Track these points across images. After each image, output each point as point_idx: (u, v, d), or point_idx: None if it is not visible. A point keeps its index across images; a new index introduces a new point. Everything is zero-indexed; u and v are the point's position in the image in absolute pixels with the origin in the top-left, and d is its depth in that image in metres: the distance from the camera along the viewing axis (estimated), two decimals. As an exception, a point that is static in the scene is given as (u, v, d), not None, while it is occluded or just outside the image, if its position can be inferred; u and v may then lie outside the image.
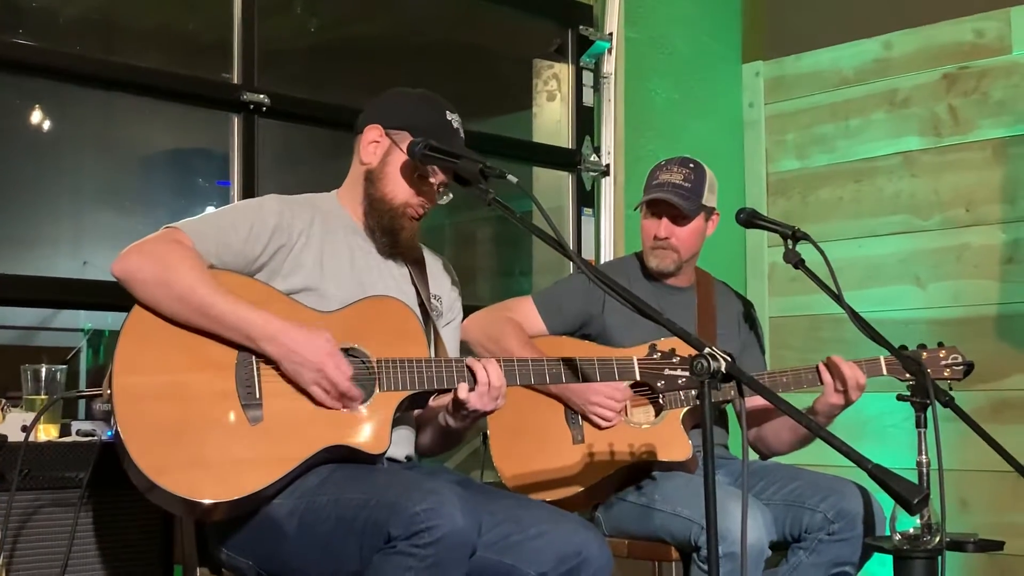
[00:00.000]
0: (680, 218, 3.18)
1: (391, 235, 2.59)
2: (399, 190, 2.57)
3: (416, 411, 2.62)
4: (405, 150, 2.52)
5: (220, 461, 2.25)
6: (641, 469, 3.06)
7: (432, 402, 2.59)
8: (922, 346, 3.06)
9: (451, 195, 2.62)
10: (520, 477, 3.05)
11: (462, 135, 2.62)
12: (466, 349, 2.98)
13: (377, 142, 2.59)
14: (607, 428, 3.05)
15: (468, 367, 2.45)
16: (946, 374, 3.03)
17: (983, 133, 4.23)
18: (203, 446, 2.26)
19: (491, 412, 2.49)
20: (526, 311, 3.20)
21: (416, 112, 2.60)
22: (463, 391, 2.43)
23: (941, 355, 3.04)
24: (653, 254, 3.24)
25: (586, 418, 3.07)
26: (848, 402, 3.00)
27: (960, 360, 3.05)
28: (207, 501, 2.23)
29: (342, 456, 2.36)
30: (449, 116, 2.60)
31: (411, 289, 2.63)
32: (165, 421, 2.25)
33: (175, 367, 2.30)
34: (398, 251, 2.62)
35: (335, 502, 2.25)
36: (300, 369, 2.32)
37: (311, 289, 2.47)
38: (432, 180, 2.57)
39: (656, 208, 3.21)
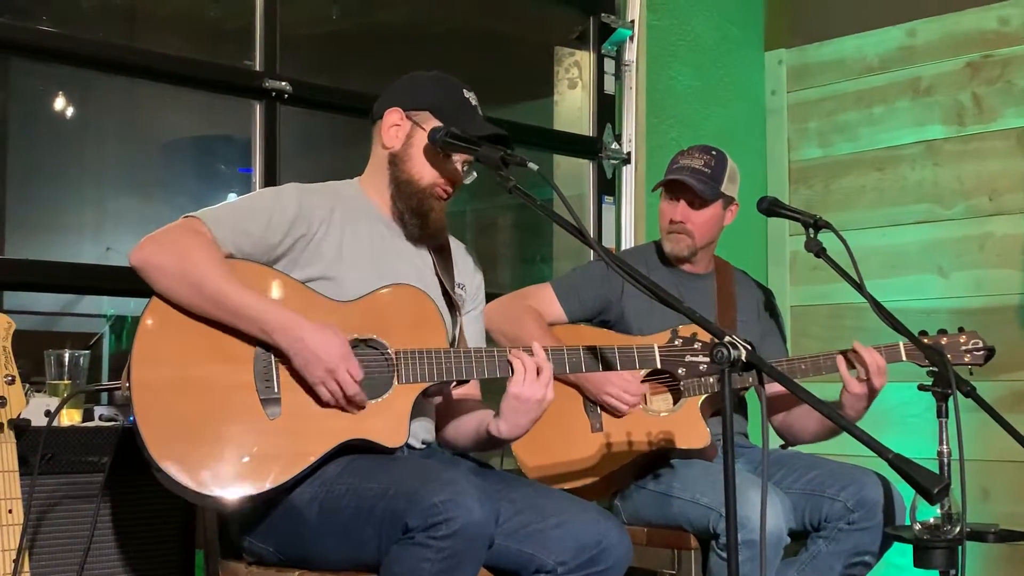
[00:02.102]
0: (697, 203, 3.18)
1: (421, 217, 2.57)
2: (425, 171, 2.56)
3: (436, 399, 2.62)
4: (428, 131, 2.52)
5: (239, 456, 2.25)
6: (660, 457, 3.06)
7: (453, 388, 2.60)
8: (942, 331, 3.04)
9: (475, 173, 2.60)
10: (539, 466, 3.05)
11: (480, 112, 2.61)
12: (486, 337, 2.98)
13: (398, 125, 2.57)
14: (622, 415, 3.05)
15: (508, 361, 2.42)
16: (967, 359, 3.02)
17: (1007, 122, 4.21)
18: (221, 441, 2.25)
19: (543, 400, 2.44)
20: (545, 298, 3.20)
21: (434, 92, 2.59)
22: (515, 385, 2.40)
23: (962, 340, 3.03)
24: (668, 238, 3.24)
25: (602, 407, 3.07)
26: (872, 389, 2.98)
27: (981, 345, 3.03)
28: (225, 497, 2.24)
29: (360, 447, 2.36)
30: (467, 94, 2.60)
31: (434, 278, 2.62)
32: (183, 415, 2.25)
33: (193, 360, 2.29)
34: (428, 233, 2.59)
35: (354, 491, 2.25)
36: (310, 366, 2.30)
37: (329, 278, 2.46)
38: (456, 158, 2.56)
39: (673, 191, 3.21)
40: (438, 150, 2.51)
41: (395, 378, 2.40)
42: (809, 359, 3.07)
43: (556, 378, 3.03)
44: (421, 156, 2.55)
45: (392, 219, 2.61)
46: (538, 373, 2.42)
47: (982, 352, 3.03)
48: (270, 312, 2.30)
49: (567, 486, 3.00)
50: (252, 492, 2.25)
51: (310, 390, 2.33)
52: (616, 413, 3.06)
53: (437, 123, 2.52)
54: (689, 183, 3.15)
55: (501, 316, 3.10)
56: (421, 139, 2.55)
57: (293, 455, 2.29)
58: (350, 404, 2.34)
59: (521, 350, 2.44)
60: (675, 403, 3.10)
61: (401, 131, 2.57)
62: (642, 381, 3.08)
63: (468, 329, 2.67)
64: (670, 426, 3.05)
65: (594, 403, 3.08)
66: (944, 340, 3.01)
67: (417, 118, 2.56)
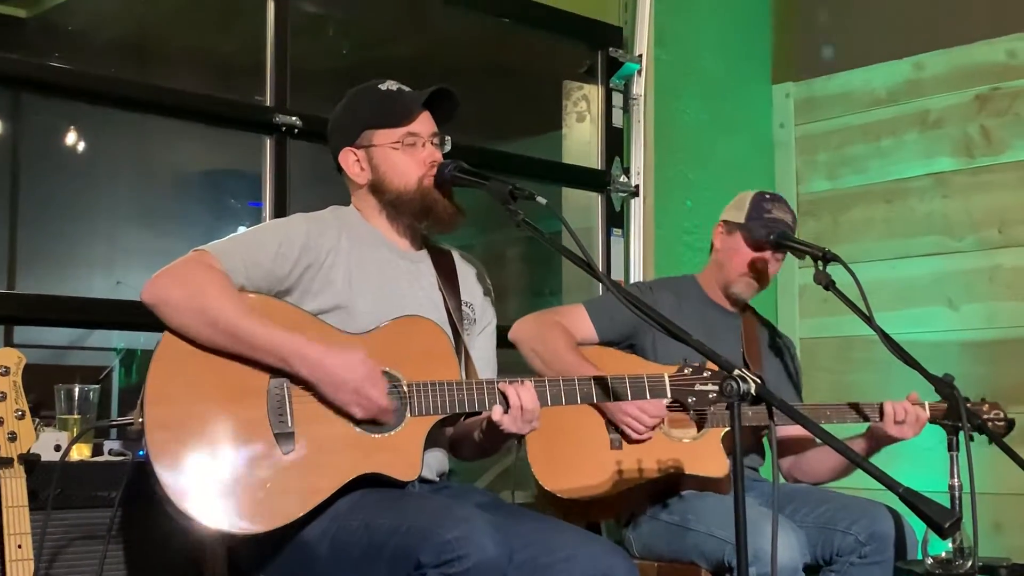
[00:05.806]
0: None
1: (430, 213, 2.57)
2: (406, 175, 2.56)
3: (448, 428, 2.62)
4: (384, 145, 2.55)
5: (252, 492, 2.25)
6: (675, 482, 3.05)
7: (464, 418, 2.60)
8: (965, 399, 3.03)
9: (449, 138, 2.63)
10: (555, 479, 3.03)
11: (406, 89, 2.62)
12: (516, 352, 3.02)
13: (357, 159, 2.60)
14: (637, 441, 3.05)
15: (501, 391, 2.43)
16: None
17: (1016, 154, 4.21)
18: (236, 477, 2.25)
19: (524, 434, 2.47)
20: (577, 317, 3.21)
21: (359, 111, 2.62)
22: (497, 414, 2.42)
23: (984, 409, 3.04)
24: (748, 283, 3.26)
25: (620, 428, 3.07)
26: (903, 437, 3.03)
27: (1002, 417, 3.03)
28: (237, 533, 2.24)
29: (372, 481, 2.35)
30: (383, 87, 2.62)
31: (439, 297, 2.63)
32: (198, 452, 2.24)
33: (206, 395, 2.29)
34: (443, 221, 2.58)
35: (366, 526, 2.25)
36: (338, 391, 2.31)
37: (340, 307, 2.47)
38: (419, 143, 2.57)
39: (778, 249, 3.24)
40: (401, 137, 2.54)
41: (408, 411, 2.40)
42: (834, 407, 3.08)
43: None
44: (392, 167, 2.57)
45: (394, 242, 2.62)
46: (522, 412, 2.42)
47: (1003, 423, 3.03)
48: (289, 342, 2.31)
49: (581, 499, 2.99)
50: (266, 528, 2.24)
51: (326, 421, 2.33)
52: (632, 435, 3.05)
53: (384, 134, 2.56)
54: (793, 248, 3.21)
55: (532, 333, 3.11)
56: (382, 154, 2.57)
57: (307, 490, 2.29)
58: (384, 415, 2.35)
59: (511, 386, 2.43)
60: (698, 432, 3.10)
61: (362, 161, 2.60)
62: (668, 408, 3.08)
63: (477, 351, 2.67)
64: (689, 453, 3.04)
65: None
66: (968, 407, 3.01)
67: (364, 142, 2.58)
